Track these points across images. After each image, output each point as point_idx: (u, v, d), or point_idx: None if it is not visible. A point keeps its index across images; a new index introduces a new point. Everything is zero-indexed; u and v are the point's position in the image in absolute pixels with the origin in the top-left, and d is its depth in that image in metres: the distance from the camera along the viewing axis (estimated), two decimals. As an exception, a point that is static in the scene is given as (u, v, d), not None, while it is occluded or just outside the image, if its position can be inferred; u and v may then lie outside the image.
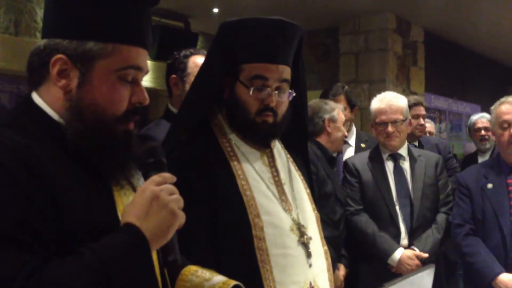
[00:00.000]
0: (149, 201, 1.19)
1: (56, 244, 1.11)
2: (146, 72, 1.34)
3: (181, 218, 1.23)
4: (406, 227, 3.12)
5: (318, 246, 1.84)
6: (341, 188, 3.29)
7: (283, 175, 1.86)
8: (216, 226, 1.71)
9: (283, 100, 1.82)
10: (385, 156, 3.24)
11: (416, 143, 4.12)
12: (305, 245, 1.77)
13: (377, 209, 3.16)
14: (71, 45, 1.23)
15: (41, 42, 1.27)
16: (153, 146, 1.32)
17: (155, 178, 1.23)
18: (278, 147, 1.92)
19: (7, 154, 1.11)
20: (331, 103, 3.42)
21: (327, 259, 1.87)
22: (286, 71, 1.81)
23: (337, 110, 3.36)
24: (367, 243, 3.12)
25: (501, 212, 2.83)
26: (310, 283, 1.75)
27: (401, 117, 3.17)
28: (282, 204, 1.79)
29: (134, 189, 1.35)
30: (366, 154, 3.34)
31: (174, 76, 2.60)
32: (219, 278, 1.51)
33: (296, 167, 1.94)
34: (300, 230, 1.78)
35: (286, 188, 1.84)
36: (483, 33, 7.45)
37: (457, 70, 8.08)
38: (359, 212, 3.19)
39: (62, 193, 1.15)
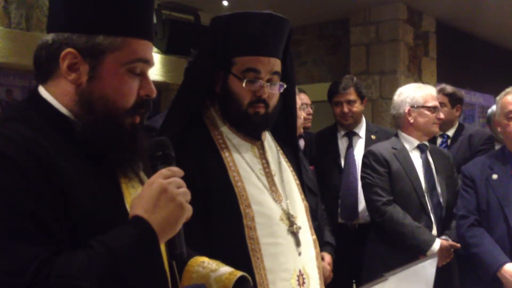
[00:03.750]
0: (157, 194, 1.20)
1: (65, 237, 1.13)
2: (152, 65, 1.36)
3: (188, 211, 1.24)
4: (436, 217, 3.11)
5: (307, 235, 1.89)
6: (309, 177, 3.17)
7: (273, 167, 1.91)
8: (208, 217, 1.75)
9: (274, 92, 1.87)
10: (409, 146, 3.23)
11: (451, 133, 4.03)
12: (294, 234, 1.82)
13: (408, 200, 3.11)
14: (81, 39, 1.24)
15: (48, 36, 1.28)
16: (162, 140, 1.33)
17: (163, 171, 1.25)
18: (268, 140, 1.97)
19: (15, 148, 1.12)
20: None
21: (315, 247, 1.92)
22: (277, 64, 1.87)
23: None
24: (405, 235, 3.03)
25: (506, 202, 2.82)
26: (300, 271, 1.81)
27: None
28: (272, 194, 1.84)
29: (141, 182, 1.37)
30: (388, 144, 3.29)
31: None
32: (225, 269, 1.54)
33: (286, 159, 1.99)
34: (290, 219, 1.83)
35: (276, 179, 1.89)
36: (496, 22, 7.36)
37: (469, 60, 7.98)
38: (391, 203, 3.11)
39: (70, 186, 1.16)
